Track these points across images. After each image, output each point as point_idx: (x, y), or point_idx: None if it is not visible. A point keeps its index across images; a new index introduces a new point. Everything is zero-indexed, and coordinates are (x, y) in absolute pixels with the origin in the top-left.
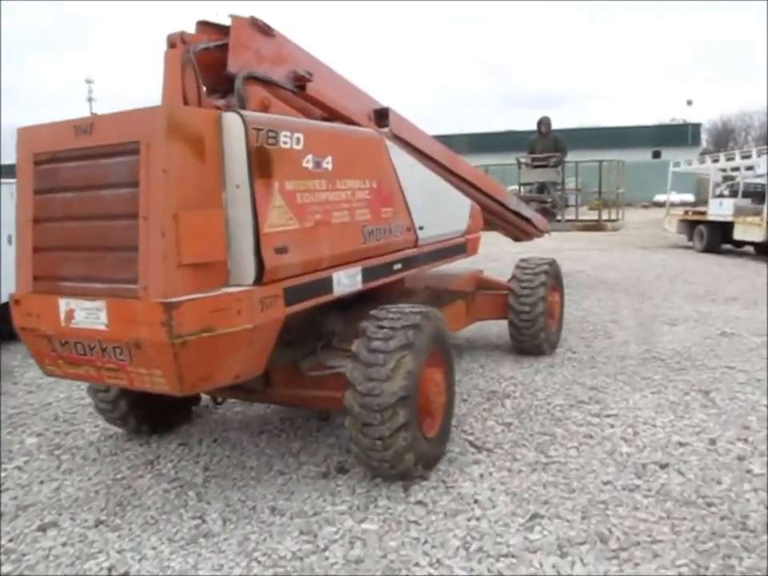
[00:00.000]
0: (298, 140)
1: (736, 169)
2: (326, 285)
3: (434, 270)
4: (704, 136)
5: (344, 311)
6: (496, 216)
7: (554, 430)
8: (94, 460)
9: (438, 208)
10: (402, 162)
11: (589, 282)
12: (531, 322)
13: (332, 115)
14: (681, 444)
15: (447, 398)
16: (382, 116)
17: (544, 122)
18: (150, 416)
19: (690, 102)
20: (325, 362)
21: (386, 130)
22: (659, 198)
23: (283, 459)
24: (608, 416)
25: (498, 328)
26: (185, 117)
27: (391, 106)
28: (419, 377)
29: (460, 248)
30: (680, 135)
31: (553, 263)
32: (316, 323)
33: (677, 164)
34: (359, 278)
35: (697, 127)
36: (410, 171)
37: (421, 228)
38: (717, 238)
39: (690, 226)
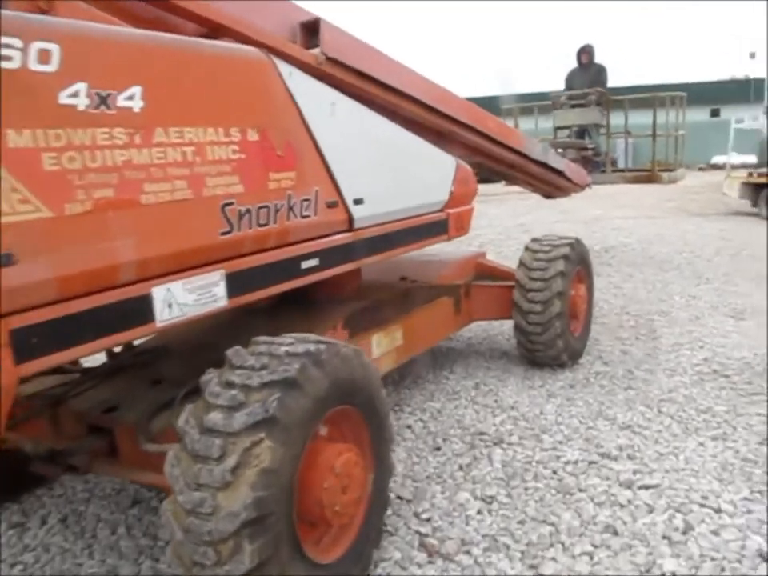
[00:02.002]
0: (47, 56)
1: None
2: (137, 311)
3: (421, 251)
4: None
5: (264, 321)
6: (515, 169)
7: (557, 513)
8: None
9: (393, 171)
10: (319, 100)
11: (634, 259)
12: (544, 325)
13: (216, 32)
14: (764, 557)
15: (373, 493)
16: (310, 31)
17: (585, 51)
18: None
19: (752, 55)
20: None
21: (315, 51)
22: (717, 159)
23: (137, 563)
24: (645, 487)
25: (510, 325)
26: None
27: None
28: (294, 475)
29: (436, 228)
30: (741, 91)
31: (576, 244)
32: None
33: (740, 120)
34: (221, 289)
35: (760, 82)
36: (335, 116)
37: (358, 202)
38: None
39: (755, 189)
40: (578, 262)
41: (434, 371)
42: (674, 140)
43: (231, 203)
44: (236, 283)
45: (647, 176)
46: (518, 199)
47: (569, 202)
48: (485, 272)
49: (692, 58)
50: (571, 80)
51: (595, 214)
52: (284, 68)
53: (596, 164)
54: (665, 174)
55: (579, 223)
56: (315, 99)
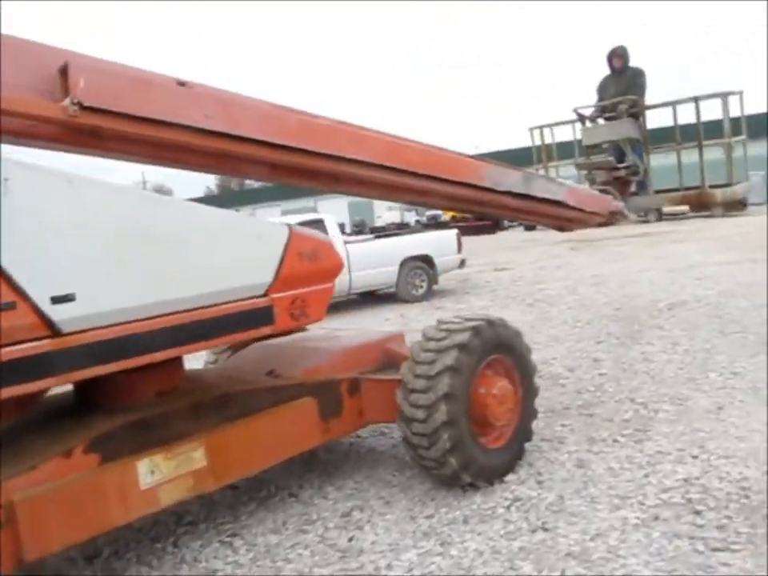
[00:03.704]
0: None
1: None
2: None
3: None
4: None
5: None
6: (486, 206)
7: None
8: None
9: (147, 254)
10: None
11: (696, 320)
12: (429, 437)
13: None
14: None
15: None
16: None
17: (617, 54)
18: None
19: None
20: None
21: (65, 102)
22: None
23: None
24: None
25: None
26: None
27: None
28: None
29: (249, 318)
30: None
31: (486, 327)
32: None
33: None
34: None
35: None
36: (8, 194)
37: (62, 300)
38: None
39: None
40: (488, 351)
41: (317, 484)
42: (727, 148)
43: None
44: None
45: (695, 195)
46: (616, 245)
47: (672, 245)
48: (395, 361)
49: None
50: (603, 89)
51: (694, 260)
52: None
53: (641, 184)
54: (718, 191)
55: (665, 272)
56: None
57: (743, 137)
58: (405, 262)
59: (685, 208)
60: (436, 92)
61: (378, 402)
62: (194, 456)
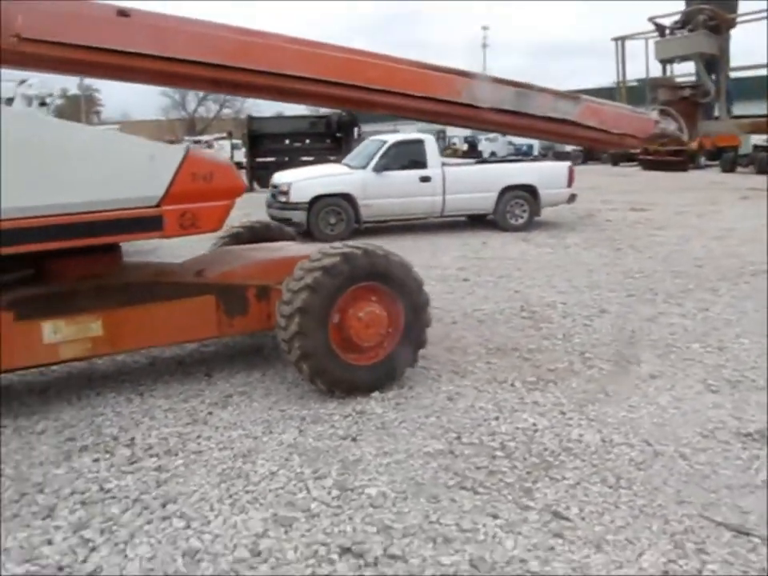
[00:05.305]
0: None
1: None
2: None
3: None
4: None
5: None
6: (468, 121)
7: None
8: None
9: (40, 165)
10: None
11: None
12: (287, 343)
13: None
14: None
15: None
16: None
17: None
18: None
19: None
20: None
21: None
22: None
23: None
24: None
25: None
26: None
27: None
28: None
29: (138, 224)
30: None
31: (361, 256)
32: None
33: None
34: None
35: None
36: None
37: None
38: None
39: None
40: (358, 278)
41: (236, 371)
42: None
43: None
44: None
45: (766, 123)
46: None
47: None
48: None
49: None
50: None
51: None
52: None
53: (705, 108)
54: None
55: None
56: None
57: None
58: (505, 191)
59: None
60: None
61: None
62: (92, 326)
